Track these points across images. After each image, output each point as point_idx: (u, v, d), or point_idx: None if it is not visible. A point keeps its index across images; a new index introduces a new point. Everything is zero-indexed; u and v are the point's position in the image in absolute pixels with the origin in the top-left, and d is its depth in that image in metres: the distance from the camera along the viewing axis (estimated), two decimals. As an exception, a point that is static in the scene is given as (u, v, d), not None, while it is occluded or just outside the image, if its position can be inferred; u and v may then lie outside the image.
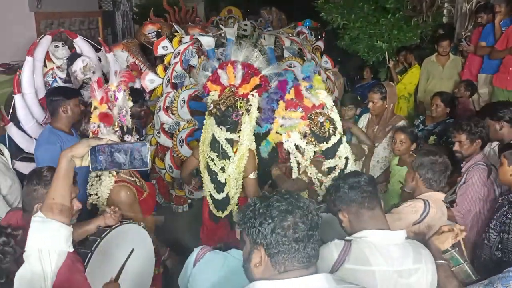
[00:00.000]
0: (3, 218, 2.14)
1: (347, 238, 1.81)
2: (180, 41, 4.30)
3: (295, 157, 3.00)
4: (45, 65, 3.91)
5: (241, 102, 2.88)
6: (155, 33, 4.96)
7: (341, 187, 1.90)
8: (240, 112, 2.88)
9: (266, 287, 1.27)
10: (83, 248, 2.11)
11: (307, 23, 7.17)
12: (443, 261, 1.92)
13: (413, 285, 1.75)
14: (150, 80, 4.25)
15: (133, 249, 2.29)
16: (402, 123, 3.75)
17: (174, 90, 4.07)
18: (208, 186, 3.09)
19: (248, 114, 2.92)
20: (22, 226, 1.87)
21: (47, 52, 3.88)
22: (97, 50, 4.24)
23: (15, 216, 2.07)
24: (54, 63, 3.90)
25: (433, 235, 2.03)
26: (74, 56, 3.91)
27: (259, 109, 2.99)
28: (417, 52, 6.20)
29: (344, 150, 2.97)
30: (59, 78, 3.88)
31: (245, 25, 6.92)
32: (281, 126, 2.90)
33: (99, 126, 2.43)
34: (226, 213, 3.10)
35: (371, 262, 1.72)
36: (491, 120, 3.18)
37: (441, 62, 5.52)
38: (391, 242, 1.77)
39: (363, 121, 4.03)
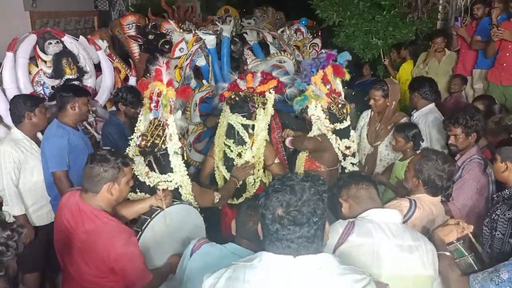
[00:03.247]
0: (63, 197, 2.23)
1: (350, 220, 1.92)
2: (193, 43, 4.26)
3: (318, 126, 3.27)
4: (36, 65, 3.91)
5: (257, 97, 3.08)
6: (134, 25, 4.86)
7: (342, 178, 2.16)
8: (256, 105, 3.05)
9: (271, 258, 1.33)
10: (135, 226, 2.27)
11: (303, 22, 7.19)
12: (446, 252, 1.96)
13: (417, 262, 1.82)
14: (180, 49, 4.17)
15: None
16: (404, 120, 3.68)
17: None
18: (225, 175, 3.19)
19: (264, 109, 3.08)
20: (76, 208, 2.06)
21: (36, 51, 3.88)
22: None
23: (72, 198, 2.14)
24: (43, 60, 3.88)
25: (438, 227, 2.09)
26: (62, 52, 3.89)
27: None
28: (412, 48, 6.22)
29: (355, 134, 3.38)
30: (44, 74, 3.86)
31: (249, 23, 6.90)
32: (312, 91, 3.19)
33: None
34: (241, 200, 3.18)
35: (373, 235, 1.82)
36: (410, 90, 3.97)
37: (437, 57, 5.53)
38: (389, 220, 1.88)
39: (365, 119, 3.94)
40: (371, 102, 3.70)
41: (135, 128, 2.67)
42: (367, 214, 1.92)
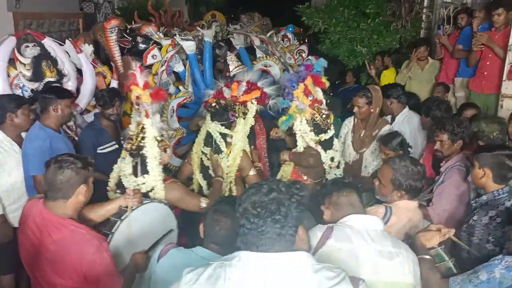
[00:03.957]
0: (25, 207, 2.17)
1: (329, 225, 1.94)
2: (167, 50, 4.25)
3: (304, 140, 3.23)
4: (15, 68, 3.85)
5: (239, 107, 3.06)
6: (116, 29, 4.78)
7: (325, 185, 2.22)
8: (236, 114, 3.03)
9: (249, 256, 1.36)
10: (104, 229, 2.23)
11: (290, 29, 7.25)
12: (427, 256, 2.00)
13: (396, 269, 1.83)
14: (153, 56, 4.18)
15: (171, 230, 2.46)
16: (387, 127, 3.72)
17: None
18: (201, 183, 3.17)
19: (244, 119, 3.06)
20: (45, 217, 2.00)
21: (15, 54, 3.80)
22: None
23: (35, 208, 2.09)
24: (21, 63, 3.81)
25: (419, 232, 2.12)
26: (41, 55, 3.84)
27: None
28: (395, 57, 6.30)
29: (338, 143, 3.36)
30: (24, 77, 3.80)
31: (235, 28, 6.92)
32: (296, 106, 3.16)
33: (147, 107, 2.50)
34: None
35: (352, 240, 1.83)
36: (384, 98, 3.90)
37: (420, 65, 5.62)
38: (369, 227, 1.90)
39: (348, 126, 3.94)
40: (355, 109, 3.71)
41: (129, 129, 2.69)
42: (346, 219, 1.94)
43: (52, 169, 2.02)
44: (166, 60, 4.09)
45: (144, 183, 2.53)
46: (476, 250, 2.34)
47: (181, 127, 3.97)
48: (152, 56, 4.23)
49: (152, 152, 2.52)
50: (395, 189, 2.39)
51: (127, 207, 2.29)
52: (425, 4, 6.53)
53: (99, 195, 3.39)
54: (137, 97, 2.50)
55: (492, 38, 4.53)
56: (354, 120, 3.89)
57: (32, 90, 3.79)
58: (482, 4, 4.99)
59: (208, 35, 4.26)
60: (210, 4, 11.47)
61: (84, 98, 4.15)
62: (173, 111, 3.93)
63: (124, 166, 2.58)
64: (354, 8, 6.69)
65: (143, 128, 2.51)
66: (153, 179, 2.53)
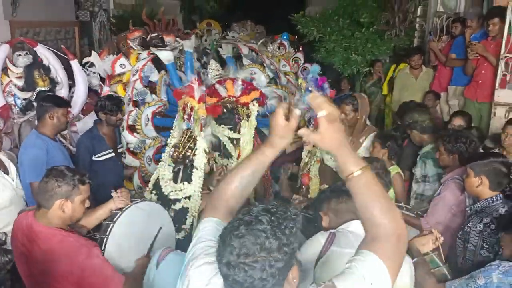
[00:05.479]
0: (16, 220, 2.14)
1: (331, 230, 1.93)
2: (137, 58, 4.24)
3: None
4: (8, 75, 3.85)
5: (241, 109, 3.07)
6: (137, 39, 4.81)
7: (324, 191, 2.23)
8: (241, 117, 3.06)
9: None
10: (98, 234, 2.24)
11: (285, 37, 7.30)
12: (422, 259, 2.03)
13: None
14: (121, 65, 4.17)
15: (160, 228, 2.42)
16: (374, 134, 3.74)
17: (136, 108, 3.98)
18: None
19: (248, 121, 3.07)
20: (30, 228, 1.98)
21: (6, 63, 3.81)
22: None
23: (25, 220, 2.07)
24: (13, 72, 3.81)
25: (415, 237, 2.15)
26: (33, 64, 3.85)
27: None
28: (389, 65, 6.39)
29: None
30: (15, 86, 3.79)
31: (233, 37, 6.92)
32: None
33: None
34: None
35: (355, 245, 1.79)
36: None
37: (414, 74, 5.66)
38: None
39: None
40: (342, 116, 3.70)
41: (169, 138, 2.76)
42: (347, 225, 1.94)
43: (44, 177, 2.04)
44: (137, 70, 4.06)
45: (181, 190, 2.61)
46: (471, 256, 2.37)
47: (159, 136, 3.91)
48: (120, 65, 4.20)
49: (200, 163, 2.61)
50: None
51: (118, 209, 2.29)
52: (419, 13, 6.60)
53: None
54: (191, 109, 2.58)
55: (487, 47, 4.57)
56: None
57: (24, 99, 3.79)
58: (474, 13, 5.05)
59: (187, 46, 4.23)
60: (204, 12, 11.52)
61: (77, 106, 4.14)
62: (148, 119, 3.86)
63: (163, 170, 2.67)
64: (349, 17, 6.77)
65: (189, 137, 2.60)
66: (193, 188, 2.61)
